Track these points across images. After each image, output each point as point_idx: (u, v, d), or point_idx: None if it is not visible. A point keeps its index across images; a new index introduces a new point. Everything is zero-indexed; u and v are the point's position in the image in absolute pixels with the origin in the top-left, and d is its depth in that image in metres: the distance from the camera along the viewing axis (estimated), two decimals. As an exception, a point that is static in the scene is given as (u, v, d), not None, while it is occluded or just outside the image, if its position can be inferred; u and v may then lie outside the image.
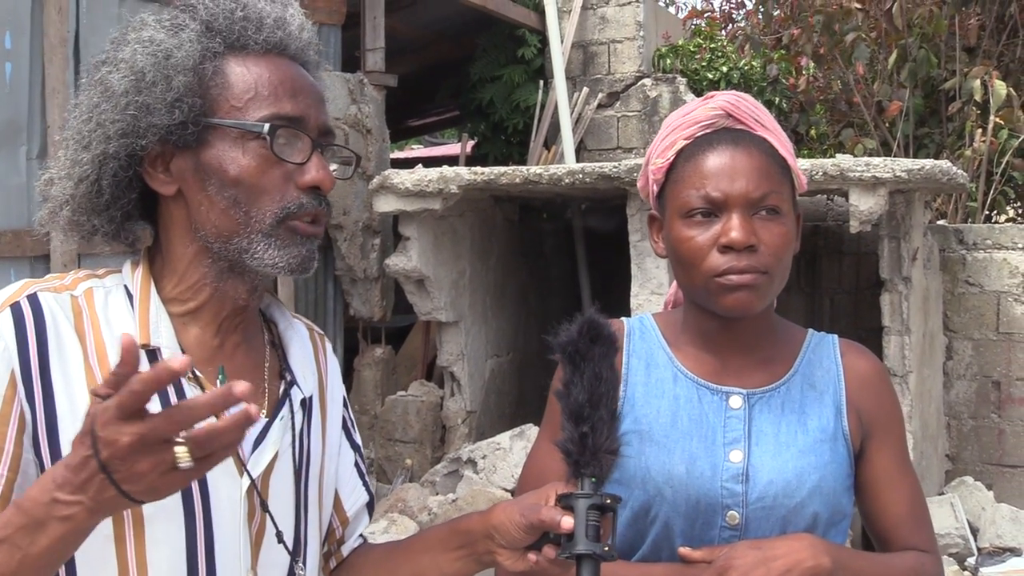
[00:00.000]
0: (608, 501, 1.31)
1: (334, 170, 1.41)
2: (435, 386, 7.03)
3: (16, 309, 1.28)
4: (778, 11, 9.13)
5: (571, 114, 8.51)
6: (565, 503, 1.31)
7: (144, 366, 1.30)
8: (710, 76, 9.04)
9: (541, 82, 8.86)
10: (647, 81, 8.76)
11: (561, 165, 6.89)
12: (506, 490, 5.53)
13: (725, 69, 9.08)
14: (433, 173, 6.20)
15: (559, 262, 8.37)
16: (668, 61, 8.99)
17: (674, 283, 1.82)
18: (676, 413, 1.69)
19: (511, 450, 5.80)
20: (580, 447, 1.32)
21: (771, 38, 8.80)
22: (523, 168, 6.20)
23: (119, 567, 1.27)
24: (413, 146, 16.52)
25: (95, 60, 1.38)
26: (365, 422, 6.94)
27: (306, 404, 1.49)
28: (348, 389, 7.03)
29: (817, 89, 9.08)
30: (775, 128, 1.69)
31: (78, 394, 1.28)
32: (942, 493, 6.02)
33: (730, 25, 10.65)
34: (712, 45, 9.31)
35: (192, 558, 1.31)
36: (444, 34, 9.48)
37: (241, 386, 1.01)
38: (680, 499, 1.64)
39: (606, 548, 1.28)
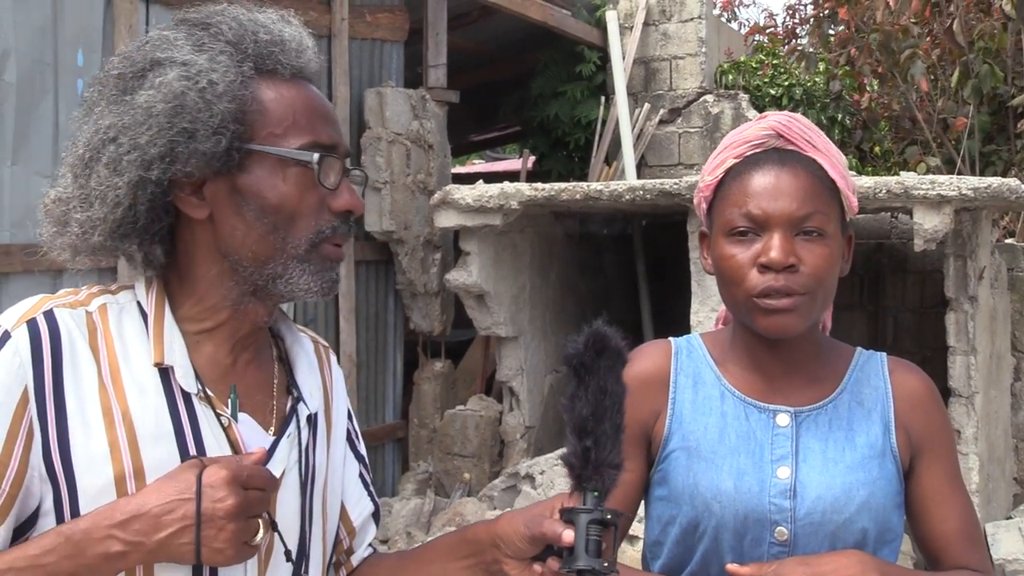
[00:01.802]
0: (609, 517, 1.30)
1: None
2: (494, 401, 7.04)
3: (32, 325, 1.30)
4: (838, 29, 9.04)
5: (632, 130, 8.50)
6: (567, 517, 1.31)
7: (156, 384, 1.36)
8: (772, 92, 8.98)
9: (603, 98, 8.87)
10: (709, 97, 8.73)
11: (622, 181, 6.88)
12: (564, 506, 5.51)
13: (787, 85, 9.02)
14: (494, 189, 6.22)
15: (619, 278, 8.36)
16: (730, 77, 8.95)
17: None
18: (724, 430, 1.70)
19: (569, 466, 5.78)
20: (583, 461, 1.32)
21: (834, 55, 8.72)
22: (583, 184, 6.21)
23: None
24: (475, 161, 16.60)
25: (108, 74, 1.37)
26: (424, 436, 6.97)
27: (312, 420, 1.50)
28: (407, 402, 7.07)
29: (881, 106, 8.99)
30: (827, 149, 1.69)
31: (90, 410, 1.29)
32: (1010, 517, 5.91)
33: (793, 40, 10.58)
34: (775, 61, 9.26)
35: (198, 571, 1.32)
36: (506, 50, 9.53)
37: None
38: (728, 514, 1.65)
39: (606, 564, 1.28)
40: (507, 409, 6.86)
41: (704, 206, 1.76)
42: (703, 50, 8.83)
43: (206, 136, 1.30)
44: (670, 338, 1.84)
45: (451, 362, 7.34)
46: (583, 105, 9.09)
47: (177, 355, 1.36)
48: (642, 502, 1.81)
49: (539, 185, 6.26)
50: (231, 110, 1.32)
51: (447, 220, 6.39)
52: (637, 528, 1.85)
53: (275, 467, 1.40)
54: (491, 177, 7.88)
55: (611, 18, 8.72)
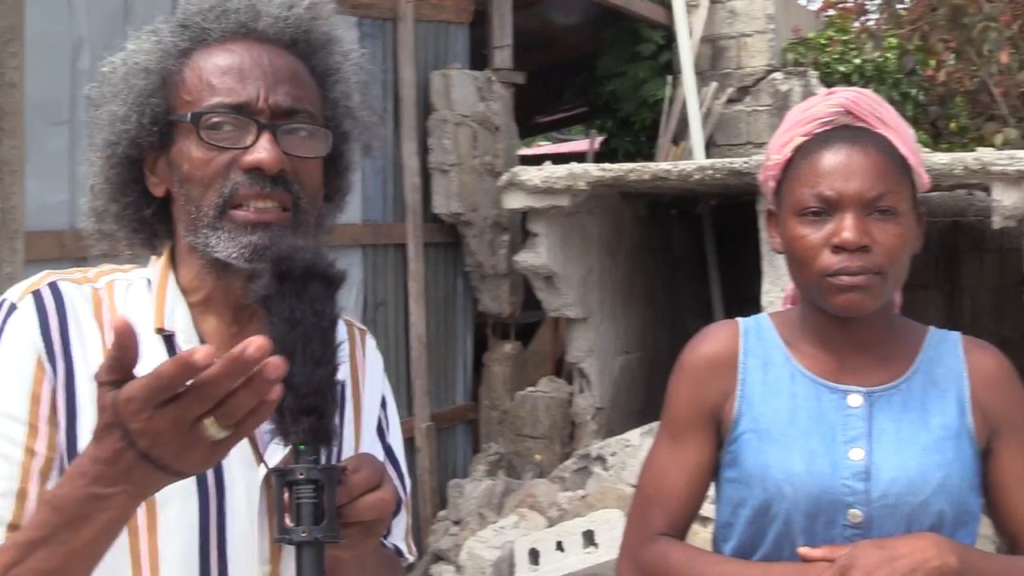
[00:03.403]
0: (301, 475, 1.07)
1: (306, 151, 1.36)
2: (564, 382, 7.04)
3: (37, 296, 1.30)
4: (909, 4, 8.84)
5: (700, 109, 8.42)
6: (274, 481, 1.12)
7: (160, 351, 1.29)
8: (842, 69, 8.83)
9: (669, 77, 8.79)
10: (777, 75, 8.61)
11: (690, 161, 6.83)
12: (635, 487, 5.50)
13: (858, 61, 8.86)
14: (561, 170, 6.21)
15: (688, 258, 8.30)
16: (791, 56, 8.81)
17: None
18: (794, 411, 1.68)
19: (641, 447, 5.77)
20: (278, 411, 1.08)
21: (906, 31, 8.54)
22: (651, 164, 6.17)
23: (131, 557, 1.26)
24: (540, 143, 16.56)
25: None
26: (495, 417, 7.00)
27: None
28: (478, 384, 7.10)
29: (957, 80, 8.80)
30: (898, 125, 1.67)
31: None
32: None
33: (863, 16, 10.38)
34: (844, 37, 9.10)
35: (204, 547, 1.29)
36: (571, 30, 9.49)
37: (252, 347, 0.95)
38: (800, 496, 1.63)
39: (304, 533, 1.07)
40: (577, 390, 6.85)
41: (772, 184, 1.74)
42: (771, 27, 8.71)
43: (129, 115, 1.32)
44: (738, 319, 1.83)
45: (521, 344, 7.35)
46: (647, 85, 9.02)
47: (179, 321, 1.34)
48: (712, 484, 1.80)
49: (607, 166, 6.23)
50: (148, 85, 1.32)
51: (515, 202, 6.39)
52: (708, 509, 1.84)
53: None
54: (558, 158, 7.86)
55: (677, -5, 8.63)
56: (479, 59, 7.37)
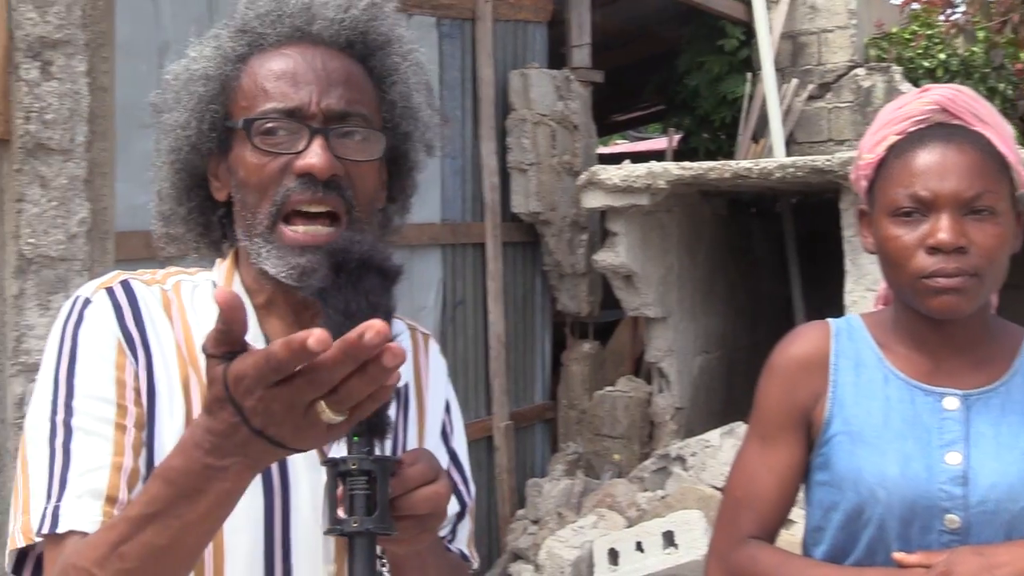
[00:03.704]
0: (354, 466, 1.07)
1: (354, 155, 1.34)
2: (643, 382, 7.01)
3: (110, 292, 1.32)
4: None
5: (780, 106, 8.32)
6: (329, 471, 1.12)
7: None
8: (926, 64, 8.66)
9: (749, 74, 8.71)
10: (860, 71, 8.47)
11: (771, 159, 6.76)
12: (716, 488, 5.47)
13: (943, 56, 8.69)
14: (641, 169, 6.19)
15: (768, 257, 8.21)
16: (873, 51, 8.65)
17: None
18: (888, 414, 1.65)
19: (721, 448, 5.73)
20: None
21: (996, 22, 8.35)
22: (732, 163, 6.12)
23: None
24: (617, 141, 16.51)
25: None
26: (573, 416, 7.00)
27: (400, 394, 1.44)
28: (556, 384, 7.09)
29: (1049, 75, 8.58)
30: (996, 122, 1.63)
31: (171, 370, 1.30)
32: None
33: (949, 9, 10.18)
34: (929, 32, 8.93)
35: (269, 545, 1.30)
36: (649, 28, 9.45)
37: (371, 332, 0.93)
38: (895, 501, 1.60)
39: (355, 524, 1.06)
40: (656, 390, 6.82)
41: (864, 183, 1.71)
42: (853, 22, 8.57)
43: (189, 121, 1.34)
44: (828, 319, 1.80)
45: (599, 343, 7.33)
46: (726, 81, 8.94)
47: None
48: (801, 487, 1.78)
49: (687, 164, 6.20)
50: (208, 92, 1.34)
51: (594, 201, 6.38)
52: (795, 512, 1.82)
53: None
54: (635, 157, 7.84)
55: (757, -9, 8.54)
56: (557, 58, 7.38)
